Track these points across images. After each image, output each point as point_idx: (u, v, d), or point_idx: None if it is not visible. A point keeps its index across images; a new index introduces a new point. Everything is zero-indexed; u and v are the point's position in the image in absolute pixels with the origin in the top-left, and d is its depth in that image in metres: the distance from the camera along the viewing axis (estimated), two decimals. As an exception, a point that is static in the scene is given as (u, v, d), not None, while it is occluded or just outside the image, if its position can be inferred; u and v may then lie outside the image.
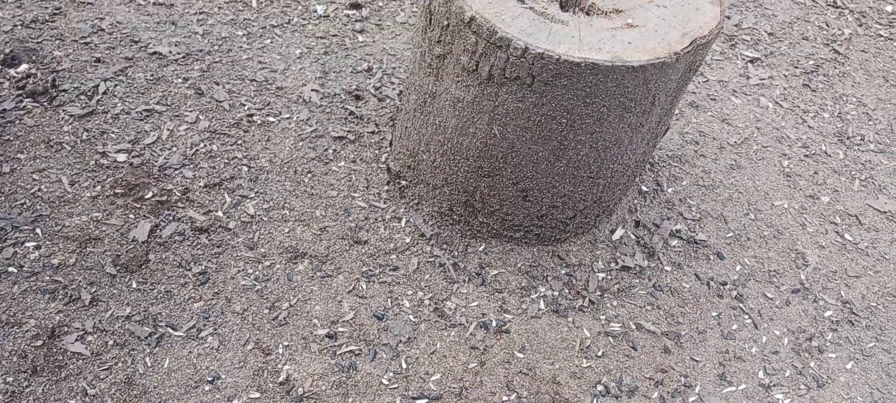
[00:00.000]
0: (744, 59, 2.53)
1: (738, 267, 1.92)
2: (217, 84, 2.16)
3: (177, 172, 1.91)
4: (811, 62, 2.57)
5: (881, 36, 2.72)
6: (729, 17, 2.67)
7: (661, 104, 1.54)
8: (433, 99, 1.67)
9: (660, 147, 2.16)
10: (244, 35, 2.32)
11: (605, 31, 1.41)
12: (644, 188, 2.08)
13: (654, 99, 1.49)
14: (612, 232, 1.96)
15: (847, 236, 2.04)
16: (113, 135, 1.96)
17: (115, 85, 2.10)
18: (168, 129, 2.01)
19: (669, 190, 2.09)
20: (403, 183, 1.95)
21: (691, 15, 1.48)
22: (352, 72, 2.29)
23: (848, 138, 2.31)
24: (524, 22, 1.41)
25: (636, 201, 2.04)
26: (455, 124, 1.65)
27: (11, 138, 1.88)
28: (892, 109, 2.43)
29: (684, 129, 2.25)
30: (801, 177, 2.18)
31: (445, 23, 1.49)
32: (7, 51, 2.09)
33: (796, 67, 2.54)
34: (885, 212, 2.12)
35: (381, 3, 2.52)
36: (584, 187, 1.72)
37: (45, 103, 1.98)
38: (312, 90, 2.20)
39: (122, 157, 1.91)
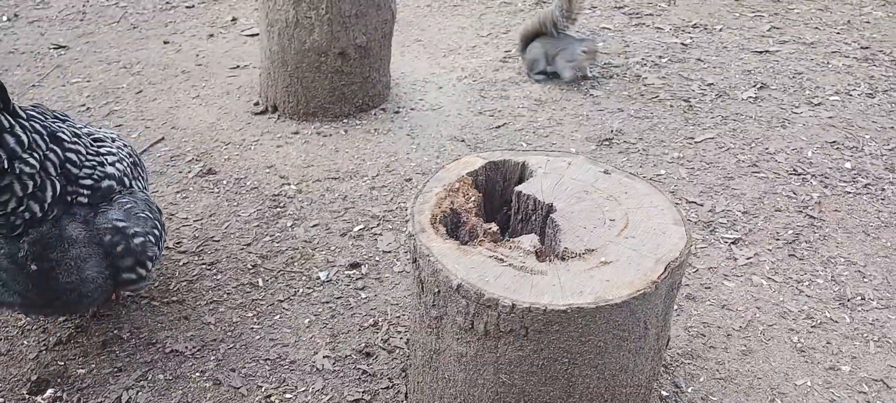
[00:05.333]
0: (726, 242, 2.64)
1: (779, 462, 1.86)
2: (233, 371, 2.23)
3: (199, 474, 1.91)
4: (790, 232, 2.68)
5: (848, 193, 2.87)
6: (702, 205, 2.83)
7: (654, 325, 1.61)
8: (438, 355, 1.74)
9: (669, 348, 2.18)
10: (254, 316, 2.45)
11: (583, 274, 1.52)
12: (664, 393, 2.07)
13: (646, 323, 1.55)
14: (642, 448, 1.92)
15: (879, 404, 2.00)
16: (136, 448, 1.99)
17: (138, 391, 2.17)
18: (188, 429, 2.05)
19: (689, 390, 2.08)
20: (424, 438, 1.95)
21: (660, 240, 1.60)
22: (359, 329, 2.38)
23: (848, 300, 2.35)
24: (507, 280, 1.52)
25: (658, 409, 2.02)
26: (463, 377, 1.70)
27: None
28: (883, 262, 2.50)
29: (688, 323, 2.30)
30: (815, 350, 2.18)
31: (436, 290, 1.60)
32: (33, 378, 2.19)
33: (778, 239, 2.64)
34: (909, 370, 2.10)
35: (377, 259, 2.69)
36: (601, 414, 1.73)
37: (70, 427, 2.03)
38: (324, 357, 2.27)
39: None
